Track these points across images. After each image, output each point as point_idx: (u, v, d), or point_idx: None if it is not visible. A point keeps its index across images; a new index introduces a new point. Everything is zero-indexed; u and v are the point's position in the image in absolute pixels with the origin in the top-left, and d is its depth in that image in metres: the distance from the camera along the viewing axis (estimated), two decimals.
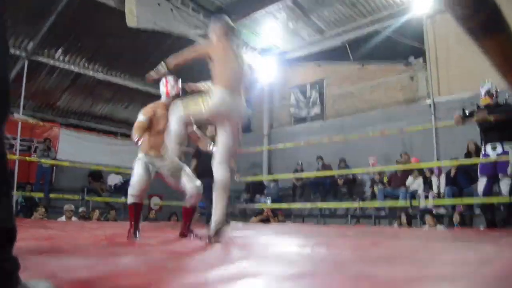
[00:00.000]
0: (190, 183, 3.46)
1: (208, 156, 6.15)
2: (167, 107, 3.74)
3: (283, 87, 12.82)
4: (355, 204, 8.96)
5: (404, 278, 1.42)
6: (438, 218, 7.53)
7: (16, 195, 8.68)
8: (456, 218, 7.15)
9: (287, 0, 9.68)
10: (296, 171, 10.54)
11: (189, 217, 3.59)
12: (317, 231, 4.61)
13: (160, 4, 9.45)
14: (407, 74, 10.36)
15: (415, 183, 8.50)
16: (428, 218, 7.04)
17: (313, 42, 11.46)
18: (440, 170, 8.28)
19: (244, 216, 10.89)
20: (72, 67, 10.72)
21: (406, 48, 10.17)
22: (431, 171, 8.47)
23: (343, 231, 4.58)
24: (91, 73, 11.08)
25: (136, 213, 3.51)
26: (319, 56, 11.86)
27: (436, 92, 9.54)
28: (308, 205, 9.71)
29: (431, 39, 9.68)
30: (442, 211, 7.89)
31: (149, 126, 3.67)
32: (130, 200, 3.55)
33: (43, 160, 9.50)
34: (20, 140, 9.93)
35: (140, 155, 3.62)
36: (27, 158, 9.63)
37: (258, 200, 10.56)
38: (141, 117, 3.71)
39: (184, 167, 3.62)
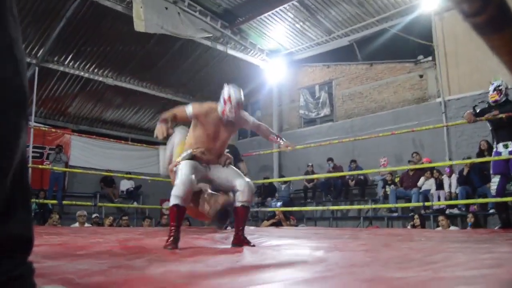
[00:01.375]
0: (239, 178, 3.12)
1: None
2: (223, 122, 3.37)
3: (292, 88, 12.81)
4: (367, 206, 8.91)
5: (418, 281, 1.41)
6: (452, 219, 7.46)
7: None
8: (470, 218, 7.07)
9: (294, 1, 9.68)
10: (307, 173, 10.52)
11: (243, 219, 3.12)
12: (329, 234, 4.58)
13: (167, 8, 9.52)
14: (416, 73, 10.30)
15: (427, 183, 8.43)
16: (441, 219, 6.97)
17: (321, 42, 11.46)
18: (452, 169, 8.20)
19: (255, 220, 10.88)
20: (81, 73, 10.84)
21: (415, 47, 10.11)
22: (439, 171, 8.40)
23: (356, 234, 4.56)
24: (100, 78, 11.18)
25: (177, 218, 2.94)
26: (327, 57, 11.85)
27: (446, 91, 9.46)
28: (320, 208, 9.68)
29: (439, 36, 9.61)
30: (455, 211, 7.81)
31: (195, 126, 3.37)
32: (172, 201, 2.96)
33: (55, 168, 9.59)
34: (33, 147, 10.03)
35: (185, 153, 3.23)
36: (40, 166, 9.72)
37: (270, 203, 10.54)
38: (189, 108, 3.33)
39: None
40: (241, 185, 3.05)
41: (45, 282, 1.26)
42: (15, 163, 0.74)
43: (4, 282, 0.73)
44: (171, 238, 2.80)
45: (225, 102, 3.30)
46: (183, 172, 2.96)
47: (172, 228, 2.86)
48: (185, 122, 3.41)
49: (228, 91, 3.32)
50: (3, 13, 0.76)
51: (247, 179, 3.13)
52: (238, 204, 3.05)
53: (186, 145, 3.34)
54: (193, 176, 2.96)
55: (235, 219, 3.11)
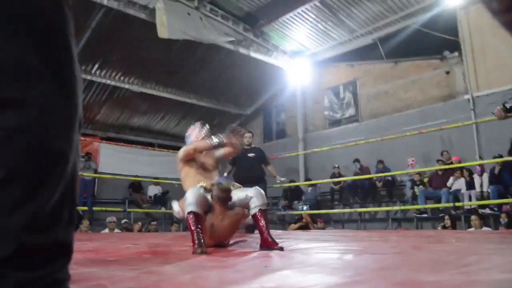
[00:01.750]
0: (248, 189, 3.25)
1: (245, 162, 6.20)
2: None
3: (316, 89, 12.75)
4: (396, 208, 8.78)
5: (452, 285, 1.38)
6: (484, 219, 7.27)
7: None
8: (503, 218, 6.87)
9: (315, 2, 9.63)
10: (333, 174, 10.43)
11: (265, 221, 3.11)
12: (358, 237, 4.53)
13: (190, 14, 9.62)
14: (442, 69, 10.10)
15: (457, 183, 8.24)
16: (474, 218, 6.80)
17: (344, 42, 11.37)
18: (483, 168, 7.99)
19: (282, 223, 10.86)
20: (108, 81, 11.07)
21: (440, 42, 9.91)
22: (470, 170, 8.20)
23: (385, 236, 4.49)
24: (126, 86, 11.39)
25: (195, 224, 3.02)
26: (351, 56, 11.75)
27: (475, 87, 9.24)
28: (347, 210, 9.59)
29: (465, 31, 9.39)
30: (487, 211, 7.61)
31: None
32: (188, 209, 3.11)
33: (85, 174, 9.80)
34: None
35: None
36: None
37: (296, 206, 10.51)
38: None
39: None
40: (252, 192, 3.14)
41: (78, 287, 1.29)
42: (68, 171, 0.80)
43: (43, 286, 0.76)
44: (197, 242, 2.85)
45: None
46: (190, 190, 3.13)
47: (194, 233, 2.91)
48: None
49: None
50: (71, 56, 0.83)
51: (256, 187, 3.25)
52: (255, 210, 3.09)
53: (189, 188, 3.38)
54: (202, 190, 3.11)
55: (258, 225, 3.11)
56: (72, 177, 0.83)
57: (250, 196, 3.12)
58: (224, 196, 3.09)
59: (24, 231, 0.73)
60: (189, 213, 2.99)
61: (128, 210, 10.34)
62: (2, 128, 0.73)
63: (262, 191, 3.21)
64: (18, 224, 0.72)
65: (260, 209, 3.08)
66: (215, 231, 3.13)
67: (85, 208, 9.43)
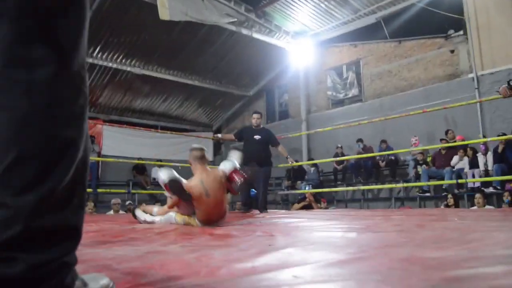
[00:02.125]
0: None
1: (251, 145, 6.18)
2: None
3: (319, 70, 12.66)
4: (399, 185, 8.79)
5: (455, 260, 1.39)
6: (487, 198, 7.28)
7: None
8: (506, 196, 6.88)
9: None
10: (336, 154, 10.43)
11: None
12: (361, 215, 4.55)
13: None
14: (447, 48, 9.98)
15: (461, 162, 8.23)
16: (478, 197, 6.80)
17: (347, 21, 11.22)
18: (487, 147, 7.97)
19: (286, 203, 10.91)
20: (110, 64, 11.01)
21: (445, 21, 9.77)
22: (474, 149, 8.18)
23: (388, 214, 4.51)
24: (128, 68, 11.34)
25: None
26: (354, 36, 11.61)
27: (479, 65, 9.14)
28: (350, 188, 9.60)
29: (471, 9, 9.25)
30: (490, 189, 7.62)
31: None
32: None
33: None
34: None
35: None
36: None
37: (299, 186, 10.54)
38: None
39: None
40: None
41: (85, 268, 1.30)
42: (78, 157, 0.82)
43: (52, 269, 0.77)
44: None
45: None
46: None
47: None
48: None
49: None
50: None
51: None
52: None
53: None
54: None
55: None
56: (83, 164, 0.84)
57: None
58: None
59: (33, 213, 0.74)
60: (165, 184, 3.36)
61: (132, 191, 10.42)
62: (14, 109, 0.74)
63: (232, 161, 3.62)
64: (27, 206, 0.73)
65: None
66: (207, 188, 3.34)
67: (90, 190, 9.50)
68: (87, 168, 0.87)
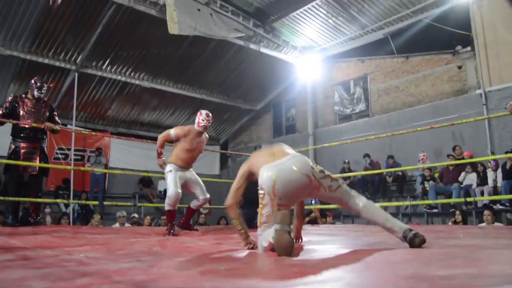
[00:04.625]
0: (202, 195, 4.72)
1: (254, 186, 6.16)
2: (200, 134, 4.67)
3: (326, 85, 12.68)
4: (406, 203, 8.71)
5: (463, 278, 1.36)
6: (496, 214, 7.19)
7: (72, 203, 9.11)
8: None
9: None
10: (343, 170, 10.37)
11: (191, 215, 5.04)
12: (368, 231, 4.52)
13: (200, 9, 9.61)
14: (454, 64, 9.97)
15: (468, 178, 8.16)
16: (487, 213, 6.69)
17: (354, 37, 11.26)
18: (497, 163, 7.89)
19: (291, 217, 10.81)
20: (119, 77, 11.12)
21: (452, 37, 9.79)
22: (483, 166, 8.10)
23: None
24: (137, 82, 11.44)
25: (171, 218, 4.51)
26: (361, 51, 11.64)
27: (487, 81, 9.11)
28: None
29: (478, 25, 9.25)
30: (499, 206, 7.52)
31: (179, 143, 4.58)
32: (167, 208, 4.50)
33: (96, 169, 9.88)
34: (74, 150, 10.37)
35: (170, 166, 4.52)
36: (81, 168, 10.05)
37: (306, 200, 10.46)
38: (172, 131, 4.61)
39: (200, 181, 4.72)
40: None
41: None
42: None
43: None
44: (170, 230, 4.38)
45: (198, 116, 4.57)
46: (171, 185, 4.40)
47: (169, 225, 4.48)
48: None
49: (200, 111, 4.61)
50: None
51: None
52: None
53: (172, 158, 4.61)
54: (179, 189, 4.41)
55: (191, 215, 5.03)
56: None
57: (201, 200, 4.79)
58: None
59: None
60: (167, 211, 4.54)
61: (138, 204, 10.42)
62: None
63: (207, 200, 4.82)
64: None
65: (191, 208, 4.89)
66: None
67: (96, 202, 9.52)
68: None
